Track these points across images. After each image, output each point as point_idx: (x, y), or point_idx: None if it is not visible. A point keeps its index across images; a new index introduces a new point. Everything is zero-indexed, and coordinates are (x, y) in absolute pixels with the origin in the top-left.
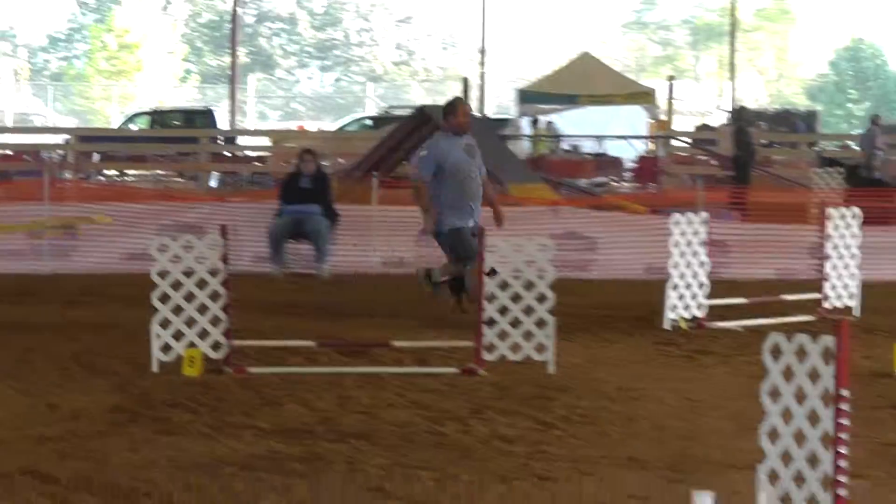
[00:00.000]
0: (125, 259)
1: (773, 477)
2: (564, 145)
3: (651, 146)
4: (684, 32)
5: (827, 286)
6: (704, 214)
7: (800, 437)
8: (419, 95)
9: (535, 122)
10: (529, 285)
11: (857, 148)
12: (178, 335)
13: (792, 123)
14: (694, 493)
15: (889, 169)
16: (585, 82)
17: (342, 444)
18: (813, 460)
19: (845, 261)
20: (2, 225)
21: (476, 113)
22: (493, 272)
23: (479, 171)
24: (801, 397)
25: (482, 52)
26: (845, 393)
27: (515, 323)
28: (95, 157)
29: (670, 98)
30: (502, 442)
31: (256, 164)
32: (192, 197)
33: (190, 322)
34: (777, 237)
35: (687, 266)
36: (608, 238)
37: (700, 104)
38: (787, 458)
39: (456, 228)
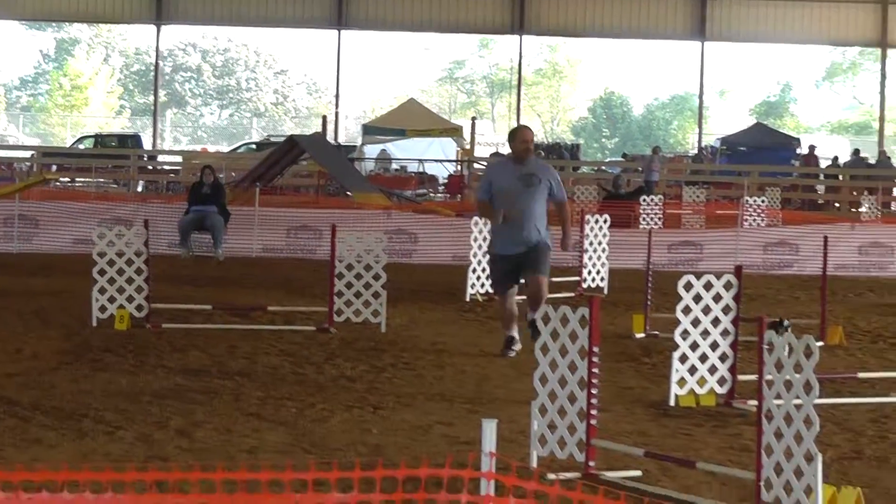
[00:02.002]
0: (74, 243)
1: (543, 410)
2: (395, 165)
3: (458, 167)
4: (483, 85)
5: (584, 272)
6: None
7: (562, 382)
8: (290, 128)
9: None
10: (368, 267)
11: (611, 171)
12: (111, 299)
13: (560, 152)
14: (483, 421)
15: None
16: (411, 119)
17: (229, 380)
18: (572, 398)
19: (598, 253)
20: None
21: (331, 141)
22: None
23: (537, 200)
24: (563, 352)
25: (336, 96)
26: (595, 349)
27: (357, 294)
28: (53, 167)
29: (473, 133)
30: (347, 381)
31: (171, 175)
32: (123, 198)
33: (120, 290)
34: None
35: (484, 255)
36: (426, 234)
37: (494, 138)
38: (553, 396)
39: (495, 255)
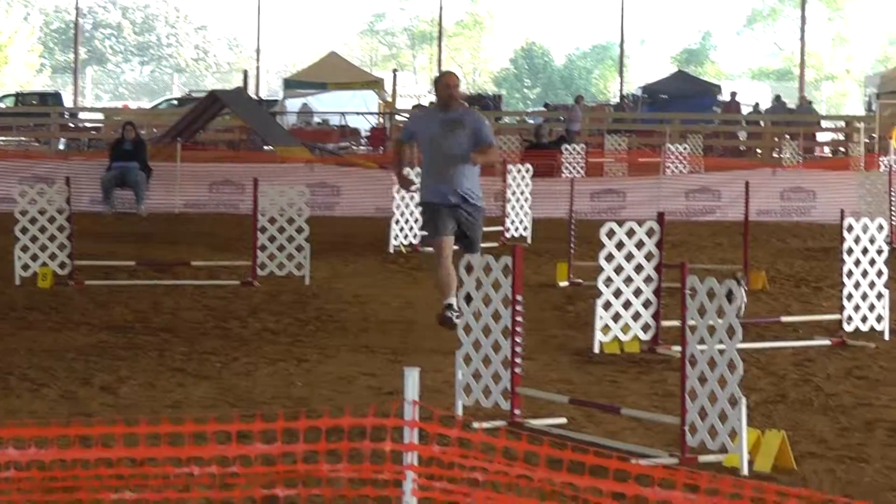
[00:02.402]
0: None
1: (468, 359)
2: (317, 119)
3: (380, 120)
4: (404, 37)
5: (507, 221)
6: (418, 169)
7: (487, 331)
8: (211, 83)
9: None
10: (291, 220)
11: (531, 121)
12: (34, 257)
13: (484, 103)
14: (405, 369)
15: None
16: (332, 73)
17: (154, 336)
18: (496, 347)
19: (521, 203)
20: None
21: (252, 96)
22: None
23: (461, 147)
24: (487, 301)
25: (257, 51)
26: (519, 298)
27: (281, 248)
28: None
29: (394, 85)
30: (271, 334)
31: (93, 132)
32: (44, 156)
33: (43, 248)
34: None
35: (406, 206)
36: (348, 186)
37: (416, 90)
38: (477, 345)
39: (425, 203)
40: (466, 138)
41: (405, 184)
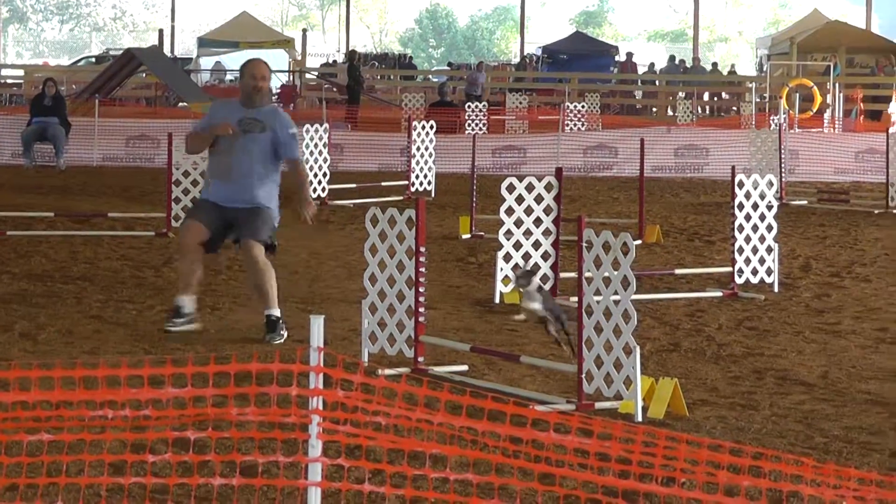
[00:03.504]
0: None
1: (373, 309)
2: (229, 77)
3: (290, 78)
4: None
5: (412, 176)
6: (326, 126)
7: (391, 281)
8: (128, 41)
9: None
10: (204, 174)
11: (435, 80)
12: None
13: (391, 62)
14: (311, 317)
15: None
16: (244, 32)
17: (72, 284)
18: (400, 297)
19: (425, 158)
20: None
21: (168, 54)
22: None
23: (255, 150)
24: (392, 253)
25: (172, 10)
26: (423, 249)
27: (194, 200)
28: None
29: (304, 45)
30: None
31: (14, 88)
32: None
33: None
34: (378, 142)
35: (315, 161)
36: None
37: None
38: (382, 295)
39: (203, 199)
40: (266, 142)
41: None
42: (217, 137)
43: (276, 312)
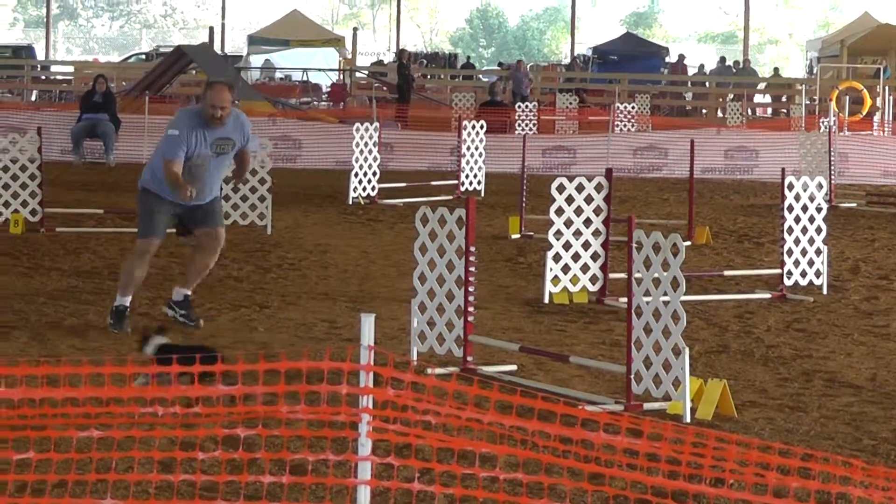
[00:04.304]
0: None
1: (422, 308)
2: (279, 75)
3: (340, 77)
4: None
5: (462, 175)
6: (377, 124)
7: (441, 280)
8: (178, 39)
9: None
10: (254, 172)
11: (485, 80)
12: (6, 204)
13: (441, 62)
14: (362, 315)
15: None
16: (295, 30)
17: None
18: (450, 296)
19: (475, 158)
20: None
21: (218, 51)
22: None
23: (224, 166)
24: (441, 252)
25: (223, 8)
26: (472, 249)
27: (244, 198)
28: None
29: (354, 43)
30: (234, 281)
31: (64, 84)
32: (17, 107)
33: (15, 195)
34: (428, 141)
35: (365, 160)
36: (310, 140)
37: (375, 48)
38: (432, 294)
39: (157, 196)
40: (233, 153)
41: (183, 192)
42: (191, 154)
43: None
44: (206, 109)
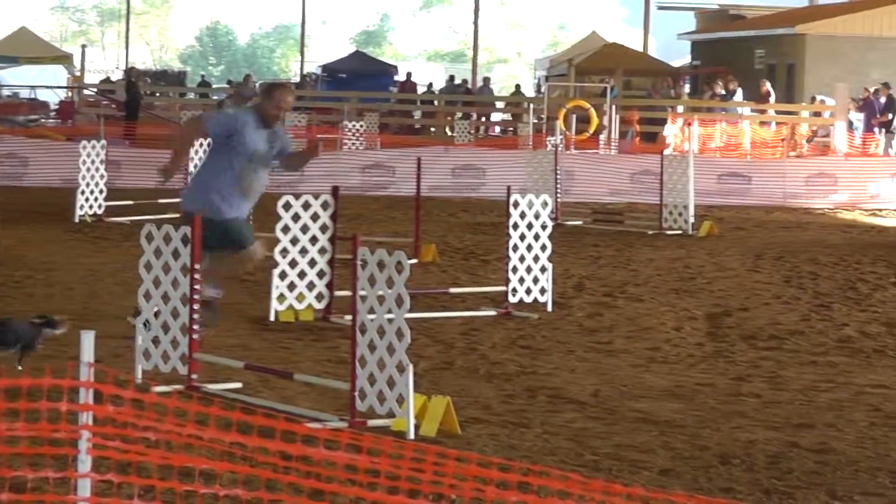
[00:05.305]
0: None
1: (146, 324)
2: (6, 92)
3: (69, 94)
4: (94, 14)
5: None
6: (104, 142)
7: (166, 298)
8: None
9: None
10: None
11: (215, 98)
12: None
13: (171, 79)
14: (81, 332)
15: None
16: (23, 47)
17: None
18: (175, 314)
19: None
20: None
21: None
22: None
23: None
24: (167, 269)
25: None
26: (197, 267)
27: None
28: None
29: (83, 61)
30: None
31: None
32: None
33: None
34: (156, 159)
35: (91, 178)
36: (36, 158)
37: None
38: (158, 313)
39: (224, 218)
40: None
41: (171, 171)
42: (242, 151)
43: None
44: (270, 109)
